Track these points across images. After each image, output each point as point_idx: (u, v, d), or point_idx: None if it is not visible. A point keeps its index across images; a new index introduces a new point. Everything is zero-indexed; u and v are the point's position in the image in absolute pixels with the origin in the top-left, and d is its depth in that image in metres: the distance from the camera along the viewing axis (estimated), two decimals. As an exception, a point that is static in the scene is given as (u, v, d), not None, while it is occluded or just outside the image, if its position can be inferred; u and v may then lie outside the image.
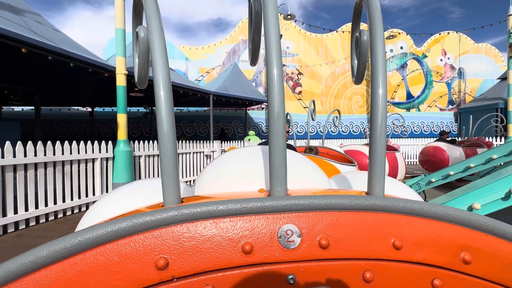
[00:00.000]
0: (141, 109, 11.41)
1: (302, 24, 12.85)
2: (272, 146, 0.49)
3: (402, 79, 13.92)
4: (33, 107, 9.46)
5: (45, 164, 3.43)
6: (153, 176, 5.26)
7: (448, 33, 14.09)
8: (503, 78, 11.56)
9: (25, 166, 3.20)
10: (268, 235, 0.40)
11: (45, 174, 3.43)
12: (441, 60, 14.08)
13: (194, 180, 6.35)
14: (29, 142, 3.28)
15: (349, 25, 13.46)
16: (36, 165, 3.33)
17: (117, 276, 0.35)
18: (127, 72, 4.35)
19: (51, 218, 3.54)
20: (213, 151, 6.77)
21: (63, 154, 3.63)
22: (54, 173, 3.55)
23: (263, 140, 4.99)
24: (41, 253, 0.34)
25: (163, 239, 0.37)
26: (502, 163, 3.08)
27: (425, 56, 14.02)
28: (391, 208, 0.43)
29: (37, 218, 3.37)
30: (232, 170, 0.65)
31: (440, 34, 14.09)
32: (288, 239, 0.40)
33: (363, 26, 0.59)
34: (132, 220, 0.37)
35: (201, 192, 0.64)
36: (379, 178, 0.52)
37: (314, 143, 8.46)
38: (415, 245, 0.41)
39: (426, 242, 0.41)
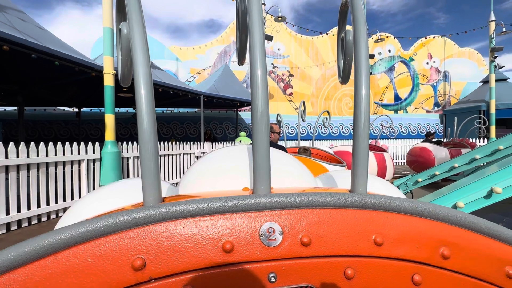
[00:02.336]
0: (130, 110, 11.20)
1: (293, 26, 12.96)
2: (256, 144, 0.48)
3: (390, 82, 14.22)
4: (16, 107, 9.13)
5: (28, 166, 3.31)
6: (142, 178, 5.16)
7: (434, 37, 14.51)
8: (486, 81, 12.00)
9: (7, 168, 3.08)
10: (249, 234, 0.39)
11: (28, 176, 3.31)
12: (427, 63, 14.48)
13: (184, 182, 6.27)
14: (11, 143, 3.16)
15: (339, 28, 13.64)
16: (18, 167, 3.21)
17: (90, 278, 0.34)
18: (115, 71, 4.27)
19: (34, 221, 3.42)
20: (203, 152, 6.72)
21: (47, 155, 3.52)
22: (38, 175, 3.43)
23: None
24: (8, 256, 0.32)
25: (140, 239, 0.36)
26: (484, 163, 3.19)
27: (412, 60, 14.39)
28: (373, 205, 0.43)
29: (19, 222, 3.25)
30: (216, 169, 0.64)
31: (426, 38, 14.49)
32: (269, 237, 0.39)
33: (349, 27, 0.59)
34: (107, 219, 0.36)
35: (185, 192, 0.63)
36: (362, 175, 0.52)
37: (305, 144, 8.53)
38: (395, 241, 0.41)
39: (406, 238, 0.42)
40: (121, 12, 0.75)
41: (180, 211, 0.38)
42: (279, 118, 5.26)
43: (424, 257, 0.41)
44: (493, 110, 9.14)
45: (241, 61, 1.01)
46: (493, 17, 8.93)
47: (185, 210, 0.39)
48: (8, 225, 3.13)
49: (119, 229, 0.36)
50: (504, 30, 8.98)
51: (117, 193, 0.63)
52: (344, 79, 0.87)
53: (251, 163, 0.62)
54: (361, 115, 0.54)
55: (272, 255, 0.38)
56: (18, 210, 3.22)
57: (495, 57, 9.00)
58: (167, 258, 0.36)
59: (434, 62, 14.48)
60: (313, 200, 0.42)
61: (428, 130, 13.70)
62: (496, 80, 9.87)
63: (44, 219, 3.54)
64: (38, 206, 3.45)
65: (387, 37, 13.96)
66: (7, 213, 3.11)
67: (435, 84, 14.46)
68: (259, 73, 0.49)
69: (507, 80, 12.33)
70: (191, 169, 0.69)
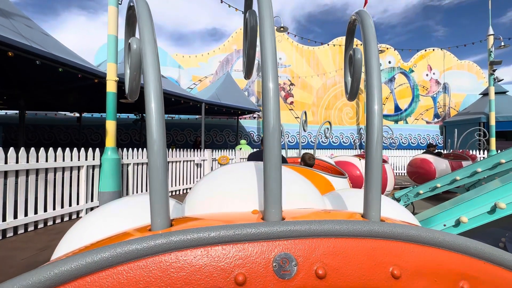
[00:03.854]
0: (131, 116, 11.22)
1: (295, 36, 13.13)
2: (267, 165, 0.47)
3: (390, 92, 14.33)
4: (17, 111, 9.15)
5: (27, 172, 3.28)
6: (141, 185, 5.13)
7: (433, 49, 14.71)
8: (485, 93, 12.10)
9: (5, 174, 3.05)
10: (262, 265, 0.37)
11: (26, 181, 3.28)
12: (427, 75, 14.63)
13: (184, 190, 6.24)
14: (11, 149, 3.14)
15: (340, 38, 13.84)
16: (17, 172, 3.18)
17: (96, 313, 0.32)
18: (117, 78, 4.29)
19: (31, 228, 3.37)
20: (203, 160, 6.69)
21: (46, 161, 3.50)
22: (36, 180, 3.40)
23: (254, 150, 5.00)
24: (11, 289, 0.30)
25: (149, 270, 0.34)
26: (486, 176, 3.17)
27: (412, 71, 14.54)
28: (389, 235, 0.41)
29: (15, 228, 3.20)
30: (224, 188, 0.63)
31: (425, 50, 14.69)
32: (283, 269, 0.37)
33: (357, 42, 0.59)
34: (116, 249, 0.34)
35: (192, 212, 0.61)
36: (376, 200, 0.51)
37: (305, 153, 8.48)
38: (414, 274, 0.40)
39: (424, 271, 0.40)
40: (130, 27, 0.75)
41: (191, 240, 0.37)
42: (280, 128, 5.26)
43: None
44: (493, 122, 9.17)
45: (248, 75, 1.01)
46: (491, 31, 9.07)
47: (196, 239, 0.37)
48: (4, 231, 3.08)
49: (128, 260, 0.34)
50: (502, 44, 9.11)
51: (123, 212, 0.62)
52: (352, 96, 0.86)
53: (259, 182, 0.61)
54: (374, 132, 0.53)
55: None
56: (15, 216, 3.17)
57: (494, 70, 9.09)
58: None
59: (433, 74, 14.63)
60: (329, 229, 0.40)
61: (430, 142, 13.72)
62: (496, 93, 9.95)
63: (41, 225, 3.48)
64: (36, 212, 3.41)
65: (387, 48, 14.15)
66: (4, 219, 3.06)
67: (435, 95, 14.57)
68: (271, 87, 0.48)
69: (506, 93, 12.43)
70: (198, 187, 0.68)
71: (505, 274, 0.42)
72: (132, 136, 11.62)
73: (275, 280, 0.37)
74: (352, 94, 0.85)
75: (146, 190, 5.24)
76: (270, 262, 0.38)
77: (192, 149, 6.51)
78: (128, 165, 4.86)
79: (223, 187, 0.63)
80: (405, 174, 9.50)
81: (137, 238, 0.36)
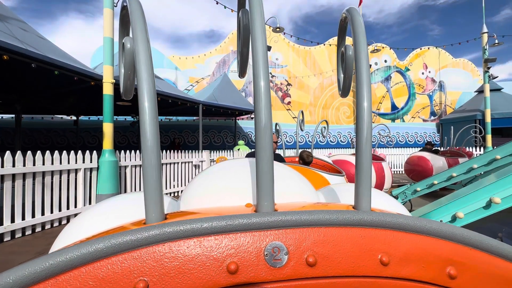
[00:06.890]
0: (129, 118, 11.19)
1: (291, 37, 13.18)
2: (258, 159, 0.48)
3: (387, 91, 14.41)
4: (13, 115, 9.09)
5: (24, 175, 3.27)
6: (140, 187, 5.12)
7: (428, 48, 14.82)
8: (480, 91, 12.20)
9: (2, 177, 3.04)
10: (254, 254, 0.38)
11: (23, 185, 3.26)
12: (423, 73, 14.73)
13: (182, 191, 6.23)
14: (8, 152, 3.13)
15: (336, 38, 13.90)
16: (14, 176, 3.17)
17: (91, 302, 0.33)
18: (114, 80, 4.28)
19: (28, 232, 3.35)
20: (202, 161, 6.69)
21: (43, 164, 3.48)
22: (33, 184, 3.39)
23: (252, 150, 5.01)
24: (7, 279, 0.31)
25: (143, 260, 0.35)
26: (482, 172, 3.21)
27: (408, 70, 14.63)
28: (378, 223, 0.43)
29: (12, 232, 3.18)
30: (218, 184, 0.64)
31: (421, 49, 14.80)
32: (275, 257, 0.38)
33: (349, 40, 0.60)
34: (110, 240, 0.35)
35: (187, 207, 0.62)
36: (366, 191, 0.52)
37: (303, 152, 8.50)
38: (402, 261, 0.41)
39: (412, 258, 0.41)
40: (124, 27, 0.76)
41: (184, 231, 0.38)
42: (277, 128, 5.28)
43: (431, 277, 0.41)
44: (488, 119, 9.25)
45: (242, 74, 1.02)
46: (485, 29, 9.16)
47: (189, 230, 0.38)
48: (1, 236, 3.06)
49: (122, 250, 0.35)
50: (496, 41, 9.20)
51: (118, 209, 0.62)
52: (344, 92, 0.88)
53: (253, 177, 0.62)
54: (364, 128, 0.54)
55: (277, 276, 0.38)
56: (12, 220, 3.16)
57: (488, 68, 9.17)
58: (170, 280, 0.35)
59: (429, 72, 14.74)
60: (318, 219, 0.41)
61: (429, 141, 13.79)
62: (491, 90, 10.04)
63: (38, 229, 3.47)
64: (33, 216, 3.39)
65: (383, 47, 14.23)
66: (1, 223, 3.05)
67: (430, 93, 14.67)
68: (262, 85, 0.49)
69: (501, 90, 12.54)
70: (193, 183, 0.68)
71: (491, 259, 0.44)
72: (130, 138, 11.58)
73: (267, 268, 0.38)
74: (344, 90, 0.87)
75: (145, 192, 5.21)
76: (261, 251, 0.39)
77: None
78: (126, 167, 4.85)
79: (218, 183, 0.64)
80: (403, 172, 9.56)
81: (132, 230, 0.37)
